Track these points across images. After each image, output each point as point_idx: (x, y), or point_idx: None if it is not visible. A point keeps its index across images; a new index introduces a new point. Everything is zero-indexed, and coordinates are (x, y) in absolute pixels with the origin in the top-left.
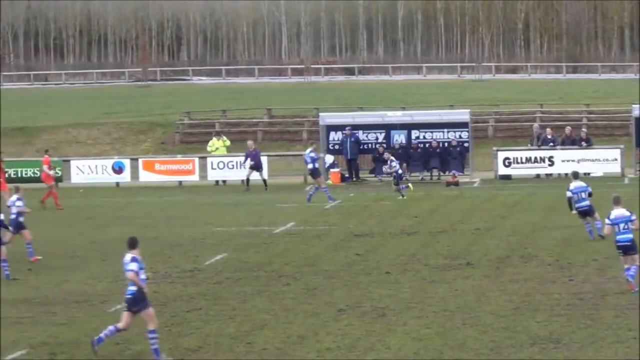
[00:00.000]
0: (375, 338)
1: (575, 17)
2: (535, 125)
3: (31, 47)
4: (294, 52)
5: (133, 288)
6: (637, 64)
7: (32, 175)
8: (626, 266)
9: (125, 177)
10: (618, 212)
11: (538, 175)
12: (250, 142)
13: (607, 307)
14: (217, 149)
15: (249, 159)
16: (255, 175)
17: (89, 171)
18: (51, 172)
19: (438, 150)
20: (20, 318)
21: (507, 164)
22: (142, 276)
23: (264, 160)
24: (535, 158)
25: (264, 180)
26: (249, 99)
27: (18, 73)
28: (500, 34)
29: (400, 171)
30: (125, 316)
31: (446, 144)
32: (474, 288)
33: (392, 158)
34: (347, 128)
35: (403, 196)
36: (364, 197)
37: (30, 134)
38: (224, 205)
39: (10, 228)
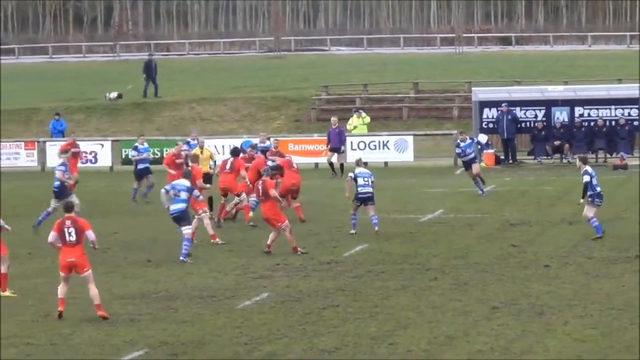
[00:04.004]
0: (533, 339)
1: None
2: None
3: (151, 13)
4: (444, 19)
5: None
6: None
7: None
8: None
9: None
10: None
11: None
12: (334, 119)
13: None
14: (355, 127)
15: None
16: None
17: (214, 151)
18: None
19: (604, 129)
20: (138, 315)
21: None
22: None
23: (409, 139)
24: None
25: (341, 165)
26: (393, 72)
27: (137, 42)
28: None
29: None
30: None
31: (613, 123)
32: None
33: None
34: (503, 104)
35: None
36: (521, 181)
37: (150, 110)
38: None
39: None
